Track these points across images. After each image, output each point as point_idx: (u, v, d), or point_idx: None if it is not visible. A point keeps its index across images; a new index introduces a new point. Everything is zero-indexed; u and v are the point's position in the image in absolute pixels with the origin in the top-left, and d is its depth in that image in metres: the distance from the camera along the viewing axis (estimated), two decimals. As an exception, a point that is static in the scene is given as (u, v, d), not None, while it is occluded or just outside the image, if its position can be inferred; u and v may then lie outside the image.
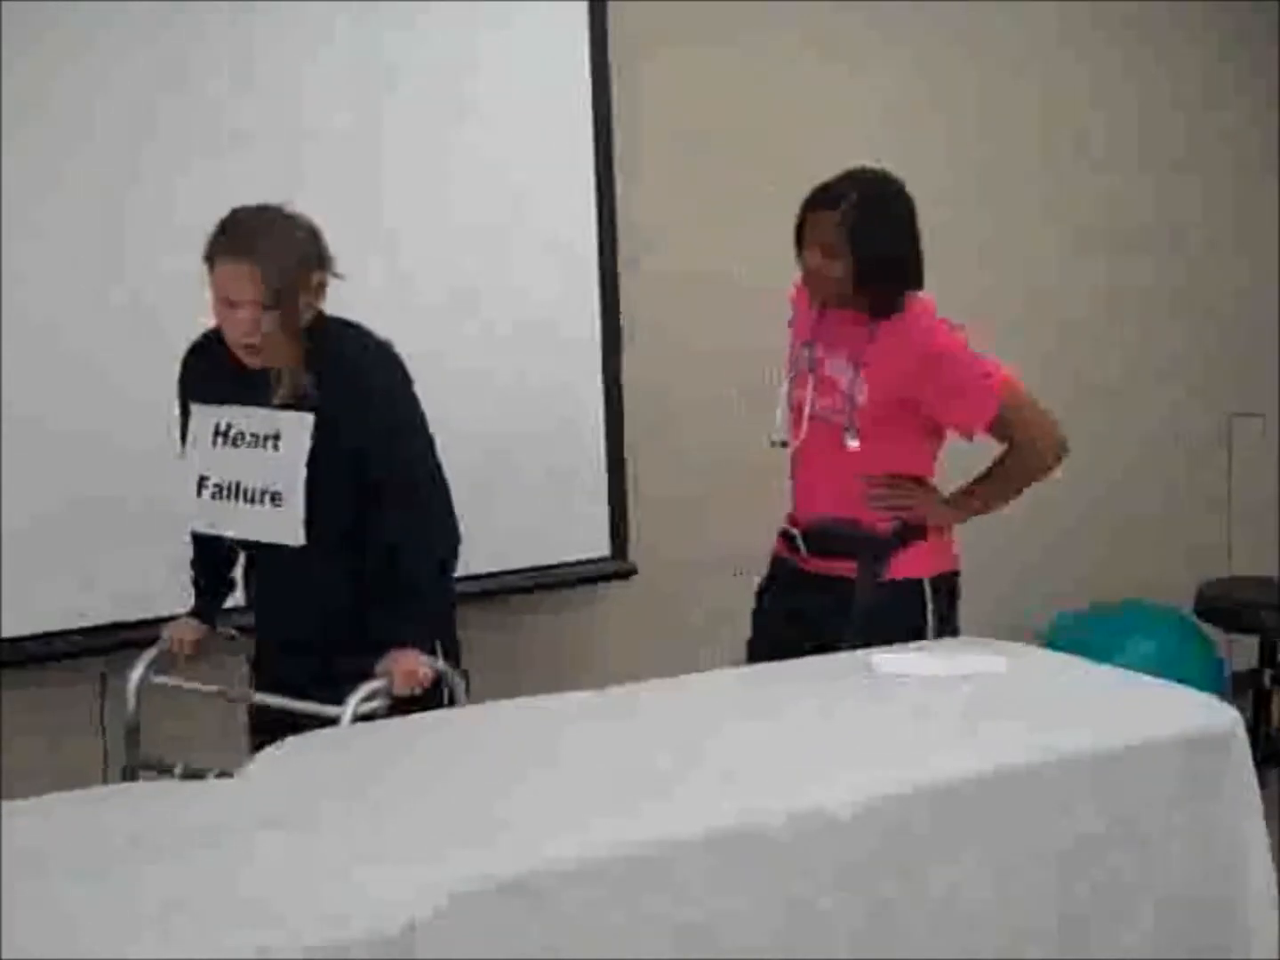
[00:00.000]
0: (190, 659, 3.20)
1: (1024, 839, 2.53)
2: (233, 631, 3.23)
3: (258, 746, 2.68)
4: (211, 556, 3.20)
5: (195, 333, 3.12)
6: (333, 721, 2.83)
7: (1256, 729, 4.68)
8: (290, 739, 2.62)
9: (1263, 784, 2.77)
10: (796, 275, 3.29)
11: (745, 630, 3.45)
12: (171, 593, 3.34)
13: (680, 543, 4.46)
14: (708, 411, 4.47)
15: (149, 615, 3.53)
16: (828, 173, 3.22)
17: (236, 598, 3.29)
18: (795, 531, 3.37)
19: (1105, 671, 3.07)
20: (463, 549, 3.08)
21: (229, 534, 3.07)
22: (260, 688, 3.12)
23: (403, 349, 3.04)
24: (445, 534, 3.04)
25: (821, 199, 3.18)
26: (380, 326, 3.05)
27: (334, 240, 2.97)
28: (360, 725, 2.81)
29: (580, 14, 4.15)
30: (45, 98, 3.52)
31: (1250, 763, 2.75)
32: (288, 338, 2.92)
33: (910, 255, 3.23)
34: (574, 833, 2.25)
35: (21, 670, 3.63)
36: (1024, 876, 2.52)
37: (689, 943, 2.25)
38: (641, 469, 4.37)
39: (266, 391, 2.96)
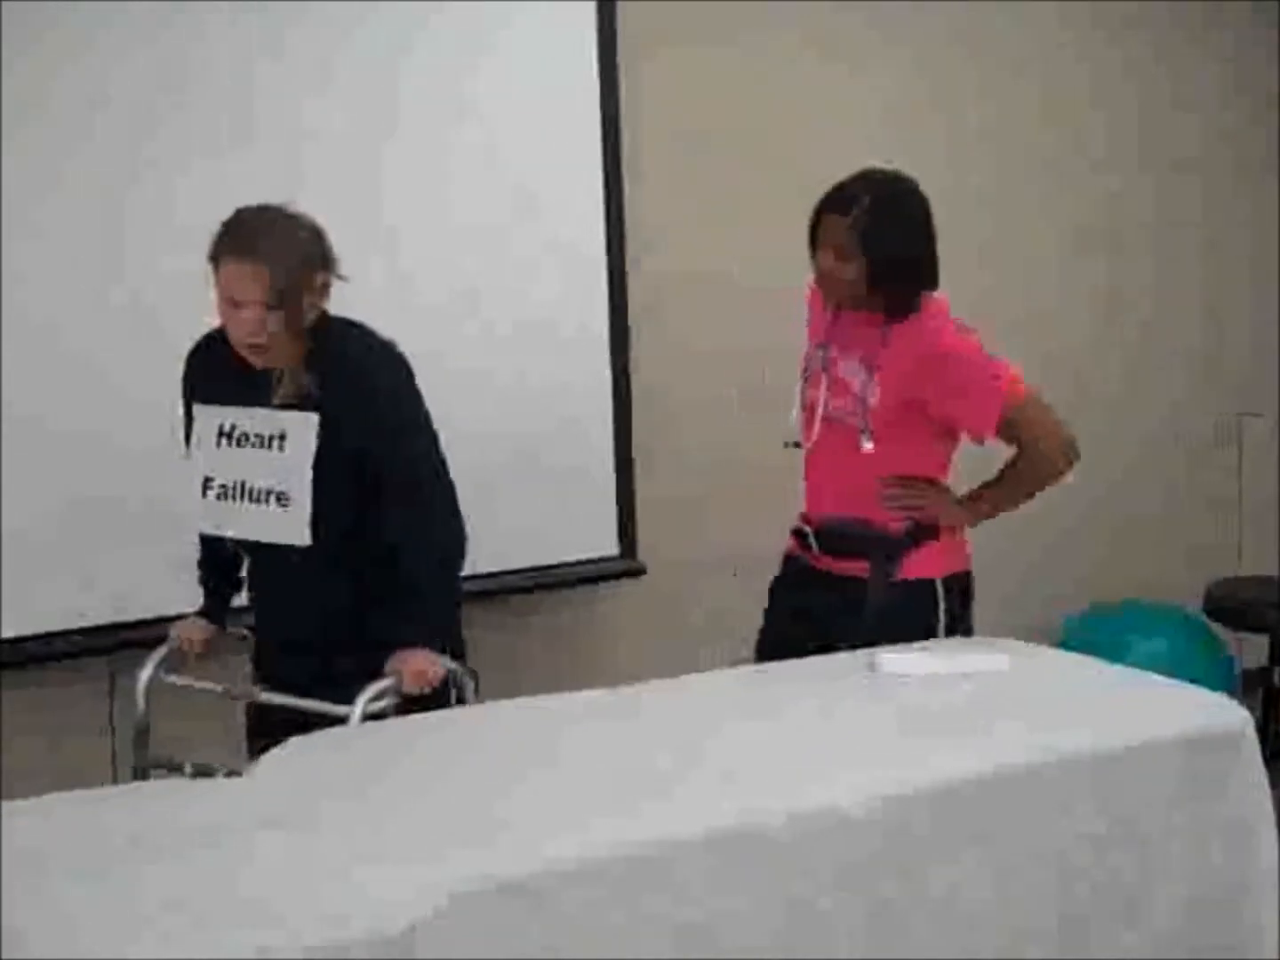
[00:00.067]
0: (199, 658, 3.20)
1: (1025, 839, 2.53)
2: (244, 631, 3.23)
3: (263, 747, 2.68)
4: (219, 556, 3.20)
5: (197, 333, 3.12)
6: (340, 721, 2.83)
7: (1266, 728, 4.67)
8: (295, 739, 2.62)
9: (1273, 783, 2.76)
10: (809, 275, 3.29)
11: (751, 629, 3.44)
12: (173, 592, 3.34)
13: (686, 542, 4.46)
14: (712, 411, 4.47)
15: (150, 615, 3.54)
16: (829, 172, 3.22)
17: (244, 597, 3.29)
18: (808, 530, 3.36)
19: (1113, 671, 3.06)
20: (469, 548, 3.07)
21: (234, 534, 3.07)
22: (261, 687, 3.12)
23: (407, 349, 3.04)
24: (450, 533, 3.04)
25: (834, 201, 3.18)
26: (384, 327, 3.05)
27: (337, 240, 2.97)
28: (365, 725, 2.81)
29: (587, 14, 4.14)
30: (45, 98, 3.52)
31: (1260, 762, 2.75)
32: (292, 338, 2.92)
33: (924, 256, 3.22)
34: (574, 833, 2.25)
35: (23, 671, 3.63)
36: (1025, 876, 2.52)
37: (689, 943, 2.25)
38: (646, 469, 4.36)
39: (270, 391, 2.96)
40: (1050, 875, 2.54)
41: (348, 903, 2.06)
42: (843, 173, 3.22)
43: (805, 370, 3.35)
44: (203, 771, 2.91)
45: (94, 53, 3.57)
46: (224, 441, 3.03)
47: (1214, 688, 2.90)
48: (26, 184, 3.49)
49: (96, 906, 2.03)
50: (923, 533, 3.28)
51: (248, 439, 3.00)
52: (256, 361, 2.95)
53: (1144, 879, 2.62)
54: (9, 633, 3.57)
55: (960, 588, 3.31)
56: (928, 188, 3.24)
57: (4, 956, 1.89)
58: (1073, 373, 4.88)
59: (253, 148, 3.69)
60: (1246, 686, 4.78)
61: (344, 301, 3.01)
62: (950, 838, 2.46)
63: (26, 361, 3.52)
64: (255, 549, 3.08)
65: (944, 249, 3.25)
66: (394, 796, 2.38)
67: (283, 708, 2.98)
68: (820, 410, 3.28)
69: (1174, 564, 5.19)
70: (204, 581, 3.24)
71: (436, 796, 2.39)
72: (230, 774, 2.72)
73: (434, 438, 3.04)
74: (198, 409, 3.08)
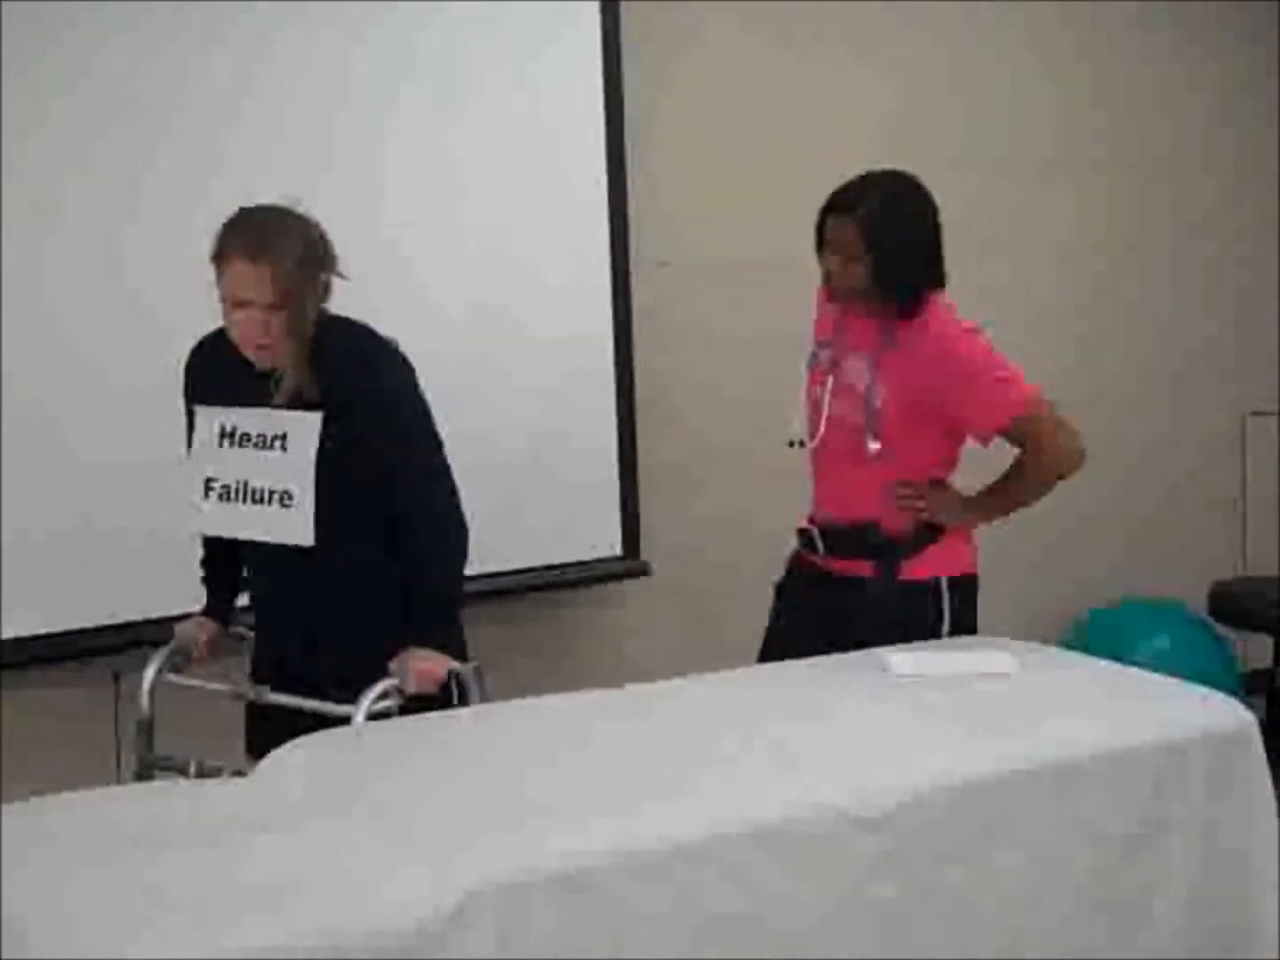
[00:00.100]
0: (204, 658, 3.20)
1: (1042, 838, 2.54)
2: (243, 630, 3.23)
3: (262, 747, 2.68)
4: (222, 556, 3.20)
5: (200, 333, 3.11)
6: (344, 721, 2.83)
7: (1271, 728, 4.67)
8: (301, 739, 2.62)
9: (1277, 783, 2.77)
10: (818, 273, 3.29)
11: (757, 629, 3.44)
12: (177, 592, 3.34)
13: (691, 542, 4.46)
14: (716, 411, 4.47)
15: (154, 615, 3.54)
16: (836, 166, 3.22)
17: (247, 597, 3.29)
18: (813, 530, 3.37)
19: (1119, 670, 3.07)
20: (475, 549, 3.07)
21: (237, 535, 3.07)
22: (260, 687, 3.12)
23: (410, 349, 3.04)
24: (455, 534, 3.04)
25: (839, 203, 3.18)
26: (386, 327, 3.05)
27: (340, 240, 2.98)
28: (371, 725, 2.81)
29: (592, 8, 4.14)
30: (51, 104, 3.54)
31: (1264, 762, 2.75)
32: (295, 338, 2.92)
33: (930, 257, 3.22)
34: (576, 833, 2.25)
35: (27, 671, 3.64)
36: (1028, 875, 2.52)
37: (708, 939, 2.26)
38: (650, 469, 4.36)
39: (272, 392, 2.96)
40: (1053, 874, 2.54)
41: (356, 902, 2.06)
42: (849, 167, 3.22)
43: (810, 369, 3.36)
44: (207, 771, 2.91)
45: (102, 55, 3.59)
46: (226, 442, 3.03)
47: (1218, 688, 2.90)
48: (30, 183, 3.51)
49: (97, 905, 2.03)
50: (928, 534, 3.28)
51: (249, 439, 3.00)
52: (259, 361, 2.95)
53: (1147, 879, 2.62)
54: (12, 632, 3.58)
55: (965, 590, 3.30)
56: (934, 185, 3.24)
57: (4, 956, 1.90)
58: (1076, 373, 4.87)
59: (255, 148, 3.70)
60: (1251, 687, 4.78)
61: (347, 302, 3.01)
62: (955, 838, 2.47)
63: (28, 362, 3.53)
64: (257, 549, 3.08)
65: (949, 247, 3.25)
66: (406, 796, 2.38)
67: (282, 708, 2.98)
68: (825, 410, 3.28)
69: (1179, 564, 5.18)
70: (207, 581, 3.24)
71: (447, 796, 2.39)
72: (235, 774, 2.73)
73: (437, 438, 3.04)
74: (199, 410, 3.08)
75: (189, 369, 3.15)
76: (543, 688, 2.96)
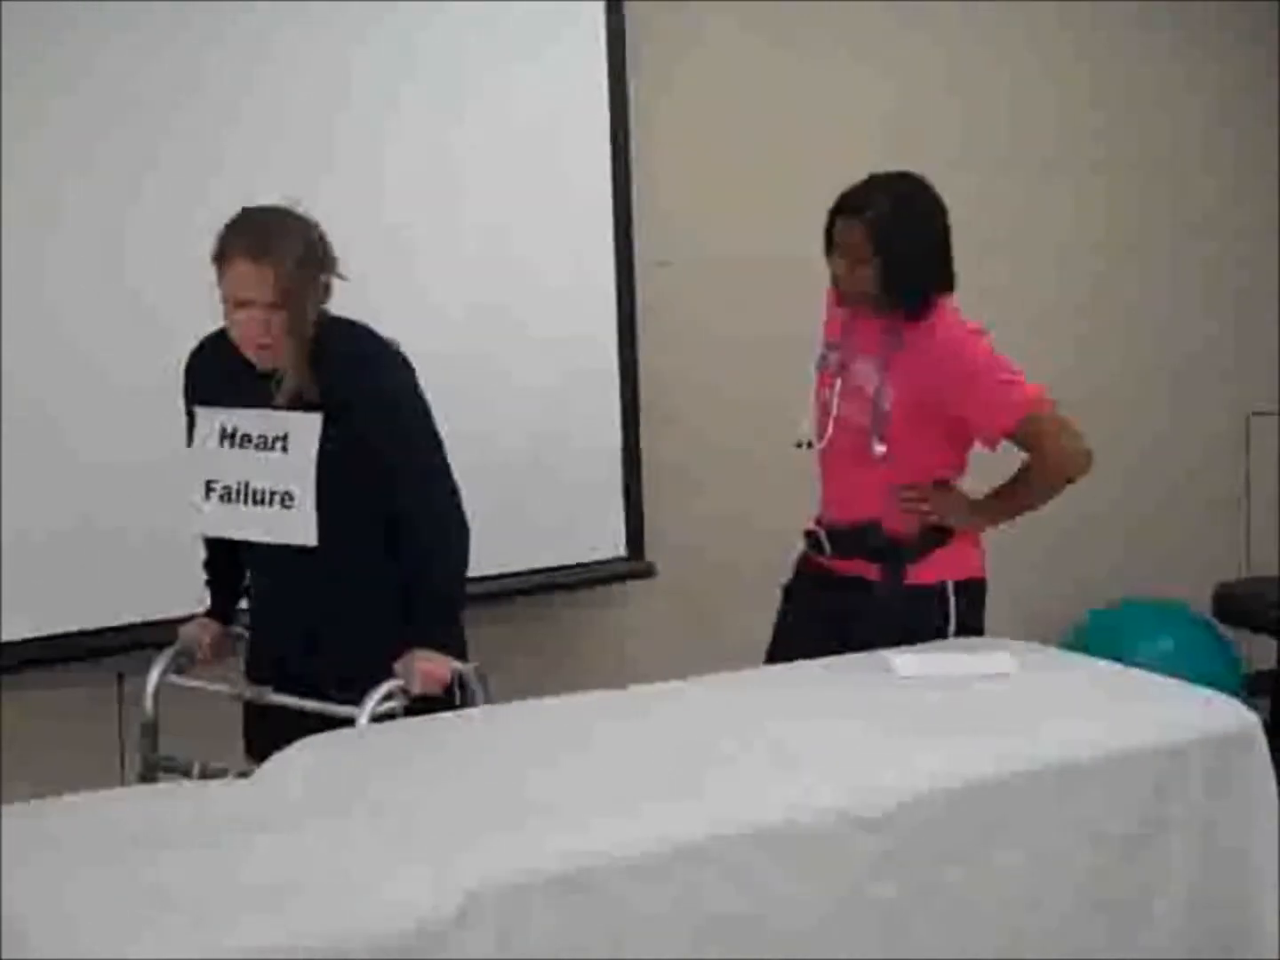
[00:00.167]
0: (208, 660, 3.19)
1: (1042, 838, 2.53)
2: (240, 630, 3.22)
3: (262, 748, 2.68)
4: (224, 557, 3.19)
5: (201, 334, 3.11)
6: (347, 722, 2.82)
7: (1275, 728, 4.66)
8: (305, 740, 2.62)
9: (1280, 785, 2.77)
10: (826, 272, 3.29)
11: (762, 630, 3.44)
12: (180, 592, 3.34)
13: (696, 543, 4.45)
14: (721, 411, 4.46)
15: (158, 616, 3.53)
16: (839, 166, 3.22)
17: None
18: (819, 532, 3.36)
19: (1120, 671, 3.07)
20: (475, 550, 3.07)
21: (238, 536, 3.07)
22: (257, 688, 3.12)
23: (411, 350, 3.04)
24: (456, 531, 3.04)
25: (848, 205, 3.18)
26: (388, 327, 3.05)
27: (341, 241, 2.98)
28: (375, 726, 2.81)
29: (596, 9, 4.14)
30: (52, 104, 3.54)
31: (1268, 764, 2.75)
32: (295, 338, 2.92)
33: (938, 260, 3.22)
34: (576, 834, 2.26)
35: (30, 673, 3.63)
36: (1038, 876, 2.52)
37: (709, 939, 2.25)
38: (655, 469, 4.36)
39: (272, 393, 2.96)
40: (1053, 874, 2.54)
41: (356, 902, 2.06)
42: (849, 167, 3.22)
43: (819, 371, 3.35)
44: (211, 773, 2.91)
45: (102, 55, 3.59)
46: (227, 443, 3.03)
47: (1222, 689, 2.90)
48: (31, 184, 3.51)
49: (97, 905, 2.03)
50: (935, 537, 3.27)
51: (250, 440, 3.00)
52: (260, 362, 2.95)
53: (1147, 879, 2.63)
54: (16, 635, 3.57)
55: (972, 593, 3.30)
56: (942, 184, 3.24)
57: (4, 956, 1.90)
58: (1076, 373, 4.86)
59: (256, 148, 3.69)
60: (1256, 688, 4.77)
61: (347, 302, 3.01)
62: (955, 838, 2.46)
63: (28, 362, 3.53)
64: (257, 549, 3.08)
65: (960, 246, 3.25)
66: (410, 797, 2.38)
67: (282, 708, 2.98)
68: (834, 412, 3.28)
69: (1181, 565, 5.18)
70: (210, 583, 3.24)
71: (448, 795, 2.39)
72: (240, 775, 2.73)
73: (437, 438, 3.04)
74: (199, 411, 3.08)
75: (189, 370, 3.15)
76: (543, 688, 2.96)
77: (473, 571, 3.09)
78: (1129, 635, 4.73)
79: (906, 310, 3.19)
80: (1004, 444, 3.22)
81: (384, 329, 3.04)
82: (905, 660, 2.99)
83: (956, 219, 3.25)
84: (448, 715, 2.87)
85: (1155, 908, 2.63)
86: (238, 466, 3.01)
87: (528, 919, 2.14)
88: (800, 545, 3.43)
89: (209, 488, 3.04)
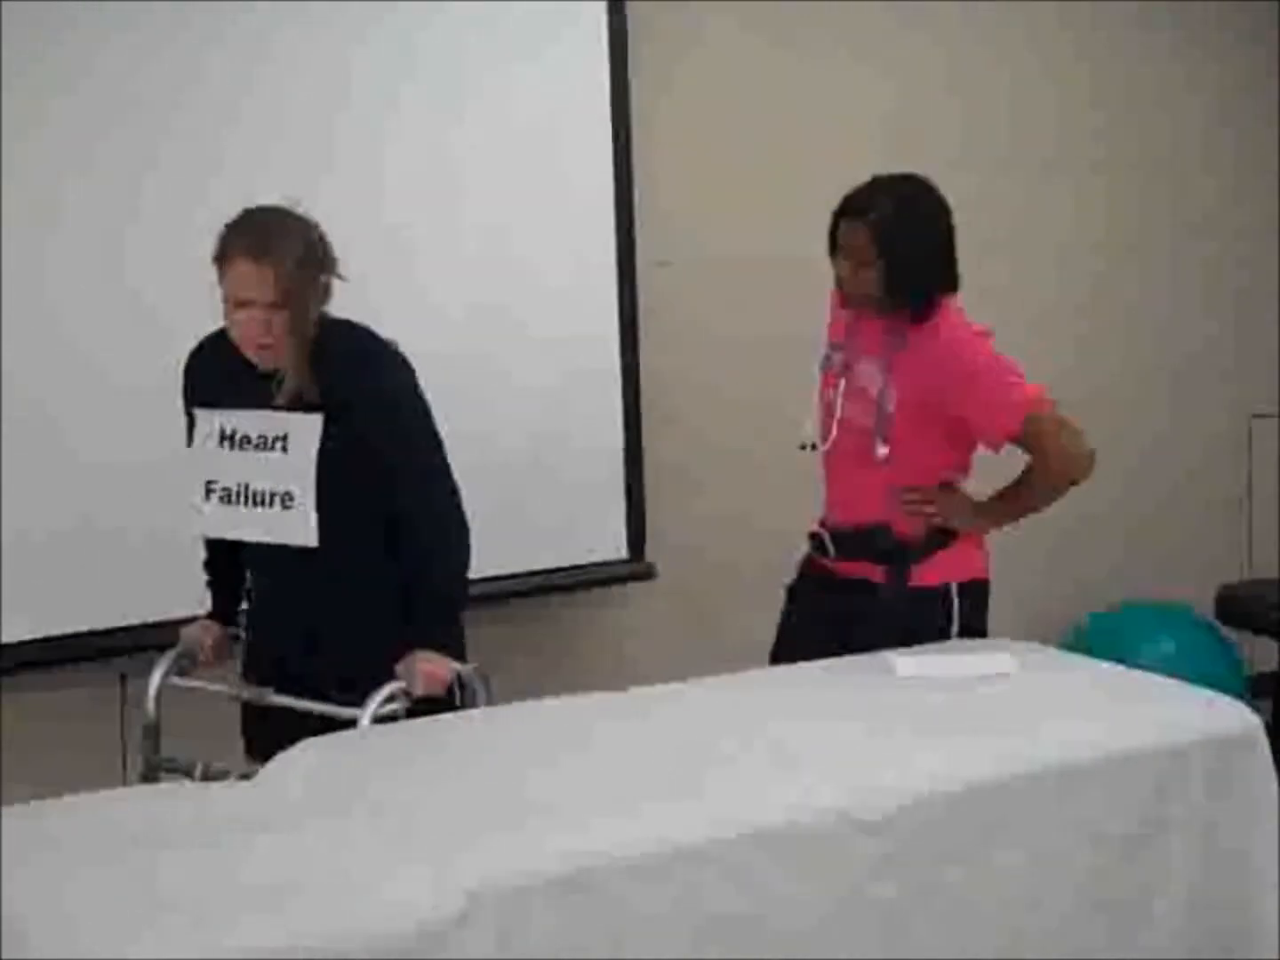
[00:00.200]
0: (210, 661, 3.19)
1: (1042, 839, 2.53)
2: (238, 630, 3.22)
3: (262, 749, 2.67)
4: (225, 558, 3.19)
5: (201, 334, 3.11)
6: (350, 724, 2.82)
7: (1278, 731, 4.65)
8: (307, 741, 2.62)
9: (1282, 787, 2.77)
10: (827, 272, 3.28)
11: (765, 632, 3.44)
12: (180, 593, 3.33)
13: (697, 545, 4.45)
14: (723, 412, 4.46)
15: (160, 618, 3.52)
16: (841, 167, 3.22)
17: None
18: (823, 534, 3.36)
19: (1120, 672, 3.07)
20: (476, 551, 3.07)
21: (239, 537, 3.06)
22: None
23: (412, 351, 3.04)
24: (456, 531, 3.04)
25: (851, 207, 3.18)
26: (387, 327, 3.05)
27: (342, 241, 2.98)
28: (377, 727, 2.81)
29: (598, 8, 4.14)
30: (49, 106, 3.54)
31: (1270, 766, 2.75)
32: (296, 339, 2.92)
33: (941, 261, 3.22)
34: (577, 834, 2.26)
35: (32, 674, 3.63)
36: (1038, 876, 2.52)
37: (709, 940, 2.25)
38: (656, 471, 4.36)
39: (272, 393, 2.96)
40: (1053, 874, 2.54)
41: (356, 903, 2.06)
42: (850, 167, 3.23)
43: (823, 372, 3.35)
44: (212, 774, 2.91)
45: (102, 55, 3.59)
46: (226, 444, 3.02)
47: (1224, 691, 2.90)
48: (32, 185, 3.50)
49: (97, 905, 2.03)
50: (939, 539, 3.27)
51: (250, 441, 3.00)
52: (261, 362, 2.95)
53: (1147, 879, 2.63)
54: (18, 636, 3.57)
55: (975, 595, 3.30)
56: (943, 185, 3.24)
57: (4, 956, 1.89)
58: (1076, 373, 4.86)
59: (254, 148, 3.69)
60: (1258, 690, 4.76)
61: (347, 302, 3.01)
62: (956, 839, 2.46)
63: (28, 362, 3.53)
64: (257, 550, 3.07)
65: (962, 246, 3.25)
66: (411, 798, 2.38)
67: (282, 710, 2.97)
68: (837, 414, 3.27)
69: (1182, 567, 5.17)
70: (211, 584, 3.24)
71: (449, 796, 2.39)
72: (242, 776, 2.72)
73: (437, 438, 3.04)
74: (199, 412, 3.07)
75: (188, 371, 3.15)
76: (544, 689, 2.95)
77: (473, 572, 3.09)
78: (1130, 637, 4.73)
79: (911, 311, 3.19)
80: (1008, 446, 3.22)
81: (384, 329, 3.04)
82: (906, 661, 2.99)
83: (956, 219, 3.25)
84: (448, 716, 2.87)
85: (1155, 908, 2.63)
86: (238, 467, 3.01)
87: (528, 919, 2.14)
88: (803, 546, 3.43)
89: (209, 488, 3.04)
